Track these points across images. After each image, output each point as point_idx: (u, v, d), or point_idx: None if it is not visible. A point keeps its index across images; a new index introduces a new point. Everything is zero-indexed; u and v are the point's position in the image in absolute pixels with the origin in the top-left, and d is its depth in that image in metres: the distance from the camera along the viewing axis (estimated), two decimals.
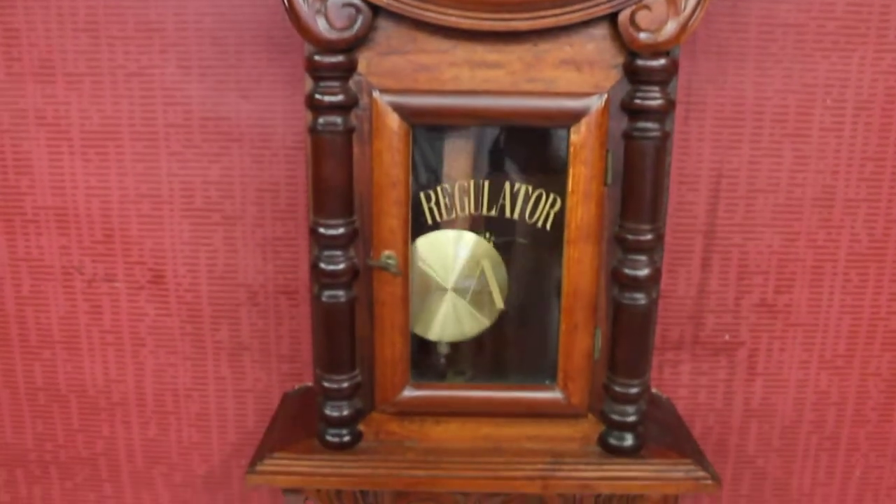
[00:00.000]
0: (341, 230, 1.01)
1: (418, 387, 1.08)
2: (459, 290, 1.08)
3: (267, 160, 1.25)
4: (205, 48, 1.21)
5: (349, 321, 1.05)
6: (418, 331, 1.09)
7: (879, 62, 1.21)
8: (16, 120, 1.26)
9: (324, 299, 1.04)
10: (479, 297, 1.09)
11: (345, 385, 1.07)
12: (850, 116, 1.23)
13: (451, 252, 1.07)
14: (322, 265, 1.03)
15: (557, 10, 0.94)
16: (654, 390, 1.28)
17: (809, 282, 1.30)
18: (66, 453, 1.42)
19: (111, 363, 1.36)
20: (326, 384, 1.07)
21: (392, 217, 1.01)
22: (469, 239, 1.07)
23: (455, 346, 1.13)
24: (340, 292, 1.03)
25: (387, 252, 1.02)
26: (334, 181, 1.00)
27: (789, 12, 1.19)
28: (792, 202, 1.26)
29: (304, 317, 1.31)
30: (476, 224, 1.08)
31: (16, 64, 1.24)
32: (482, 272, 1.07)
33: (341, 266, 1.03)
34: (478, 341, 1.12)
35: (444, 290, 1.08)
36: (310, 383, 1.27)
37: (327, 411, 1.08)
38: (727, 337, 1.32)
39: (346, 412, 1.08)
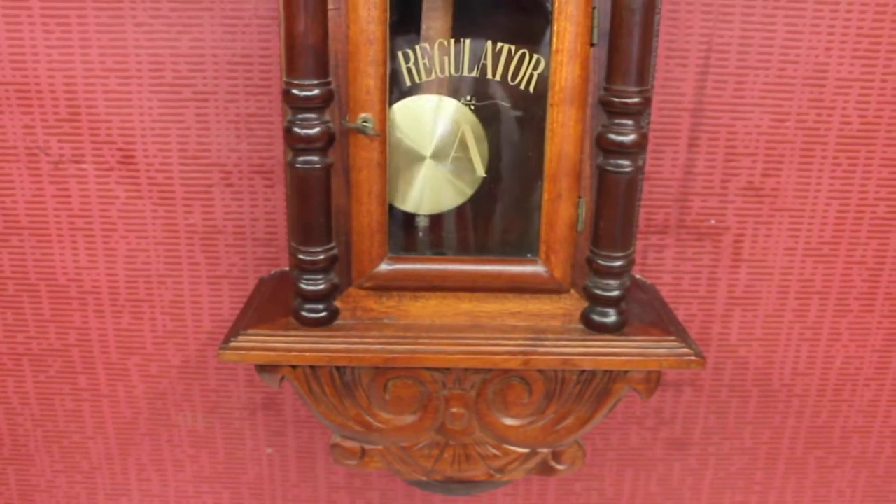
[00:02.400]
0: (316, 91, 0.97)
1: (396, 260, 1.05)
2: (438, 158, 1.04)
3: (239, 31, 1.19)
4: None
5: (325, 189, 1.01)
6: (396, 202, 1.05)
7: None
8: None
9: (298, 165, 1.00)
10: (458, 165, 1.05)
11: (320, 257, 1.03)
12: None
13: (429, 119, 1.03)
14: (296, 129, 0.98)
15: None
16: (637, 276, 1.26)
17: (798, 165, 1.27)
18: (37, 345, 1.39)
19: (81, 249, 1.32)
20: (301, 256, 1.04)
21: (369, 77, 0.97)
22: (448, 105, 1.03)
23: (434, 218, 1.09)
24: (315, 158, 0.99)
25: (363, 114, 0.98)
26: (308, 38, 0.95)
27: None
28: (783, 80, 1.22)
29: (280, 198, 1.27)
30: (456, 86, 1.03)
31: None
32: (462, 138, 1.03)
33: (316, 130, 0.98)
34: (457, 213, 1.09)
35: (423, 158, 1.04)
36: (286, 268, 1.24)
37: (302, 285, 1.05)
38: (712, 221, 1.30)
39: (321, 286, 1.05)
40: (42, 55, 1.22)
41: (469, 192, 1.06)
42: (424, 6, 1.01)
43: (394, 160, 1.02)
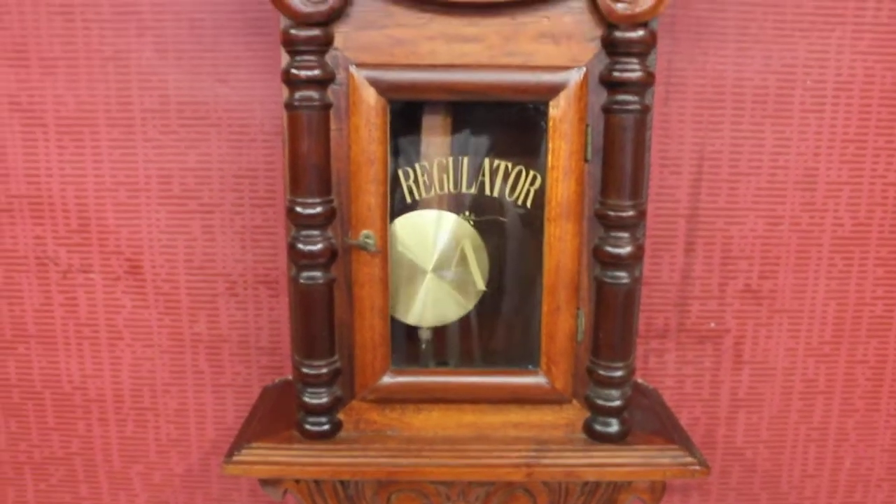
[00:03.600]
0: (319, 209, 0.99)
1: (399, 373, 1.06)
2: (440, 272, 1.06)
3: (245, 146, 1.23)
4: (181, 31, 1.20)
5: (328, 304, 1.03)
6: (398, 315, 1.07)
7: (858, 42, 1.20)
8: None
9: (301, 281, 1.02)
10: (459, 279, 1.07)
11: (324, 371, 1.04)
12: (831, 97, 1.22)
13: (430, 234, 1.06)
14: (299, 246, 1.01)
15: None
16: (639, 380, 1.26)
17: (794, 267, 1.29)
18: (40, 453, 1.39)
19: (87, 358, 1.33)
20: (305, 370, 1.05)
21: (370, 195, 1.00)
22: (449, 220, 1.06)
23: (436, 330, 1.10)
24: (318, 273, 1.01)
25: (365, 231, 1.00)
26: (311, 158, 0.98)
27: None
28: (775, 185, 1.25)
29: (284, 308, 1.29)
30: (455, 202, 1.06)
31: None
32: (462, 253, 1.05)
33: (319, 246, 1.01)
34: (459, 325, 1.10)
35: (424, 272, 1.06)
36: (290, 376, 1.25)
37: (306, 399, 1.06)
38: (712, 324, 1.31)
39: (325, 399, 1.05)
40: (55, 169, 1.26)
41: (470, 305, 1.08)
42: (424, 125, 1.05)
43: (396, 274, 1.04)
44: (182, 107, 1.22)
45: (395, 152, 1.03)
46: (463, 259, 1.06)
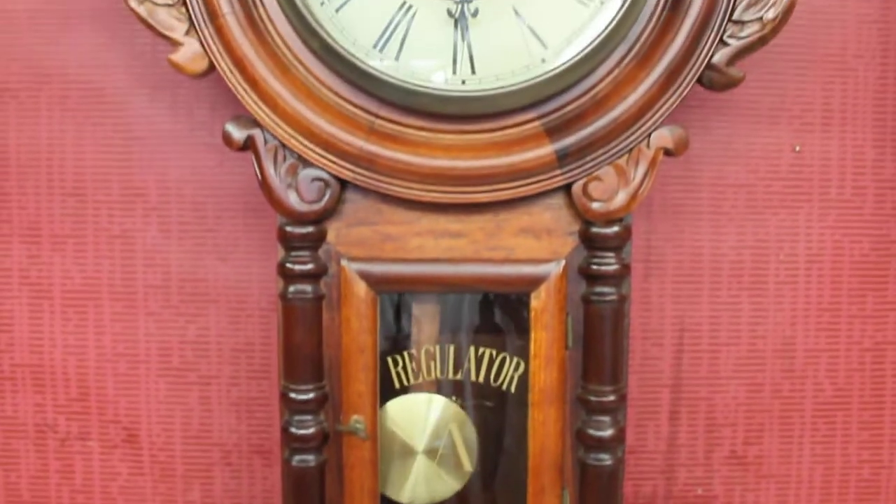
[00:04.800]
0: (311, 395, 1.04)
1: None
2: (430, 453, 1.09)
3: (242, 321, 1.28)
4: (185, 213, 1.27)
5: (319, 486, 1.05)
6: (390, 493, 1.09)
7: (825, 217, 1.27)
8: (0, 279, 1.30)
9: (294, 464, 1.04)
10: (447, 460, 1.09)
11: None
12: (803, 270, 1.28)
13: (421, 415, 1.09)
14: (292, 429, 1.04)
15: (515, 183, 1.00)
16: None
17: (778, 432, 1.31)
18: None
19: None
20: None
21: (360, 382, 1.04)
22: (439, 402, 1.09)
23: None
24: (310, 457, 1.04)
25: (355, 416, 1.04)
26: (304, 348, 1.03)
27: (738, 173, 1.26)
28: (754, 354, 1.29)
29: (277, 477, 1.29)
30: (443, 387, 1.10)
31: (4, 226, 1.29)
32: (450, 435, 1.09)
33: (311, 430, 1.04)
34: None
35: (416, 452, 1.09)
36: None
37: None
38: (700, 491, 1.32)
39: None
40: (59, 341, 1.30)
41: (458, 486, 1.10)
42: (413, 314, 1.10)
43: (388, 452, 1.07)
44: (183, 283, 1.28)
45: (385, 339, 1.07)
46: (451, 441, 1.09)
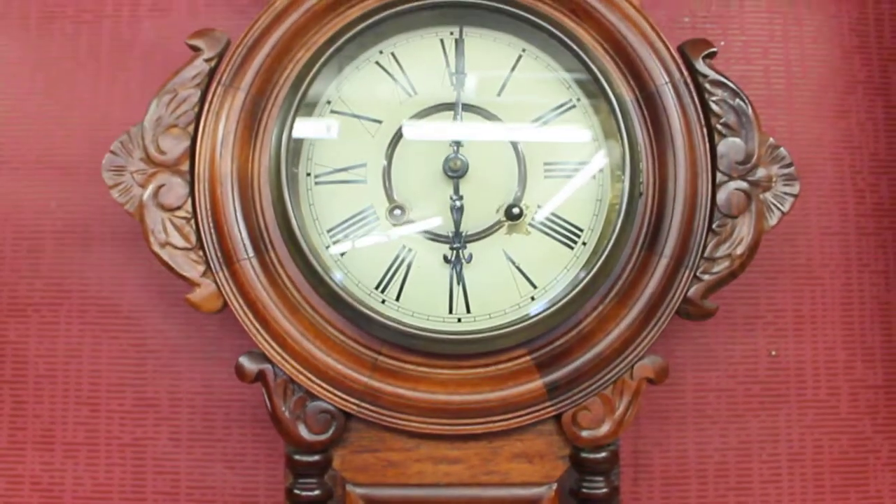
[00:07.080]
0: None
1: None
2: None
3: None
4: (195, 423, 1.33)
5: None
6: None
7: (803, 417, 1.34)
8: (11, 486, 1.34)
9: None
10: None
11: None
12: (786, 469, 1.34)
13: None
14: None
15: (508, 415, 1.07)
16: None
17: None
18: None
19: None
20: None
21: None
22: None
23: None
24: None
25: None
26: None
27: (719, 378, 1.34)
28: None
29: None
30: None
31: (19, 433, 1.34)
32: None
33: None
34: None
35: None
36: None
37: None
38: None
39: None
40: None
41: None
42: None
43: None
44: (192, 490, 1.32)
45: None
46: None
